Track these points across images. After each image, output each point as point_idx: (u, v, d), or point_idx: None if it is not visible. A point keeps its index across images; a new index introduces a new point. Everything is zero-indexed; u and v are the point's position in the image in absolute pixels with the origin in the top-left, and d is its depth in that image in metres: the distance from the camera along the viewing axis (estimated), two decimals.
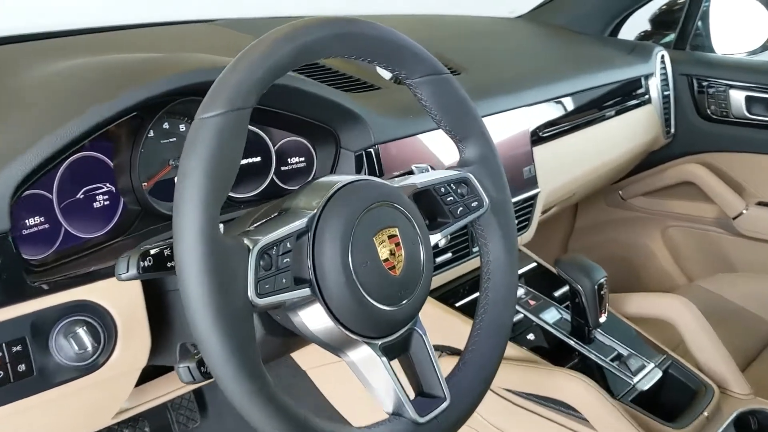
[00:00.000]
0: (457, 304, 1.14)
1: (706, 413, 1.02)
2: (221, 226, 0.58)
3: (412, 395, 0.72)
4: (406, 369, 0.74)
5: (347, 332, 0.66)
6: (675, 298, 1.19)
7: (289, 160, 1.01)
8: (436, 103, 0.78)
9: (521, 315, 1.14)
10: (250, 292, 0.58)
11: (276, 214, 0.68)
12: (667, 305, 1.19)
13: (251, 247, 0.59)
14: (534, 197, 1.32)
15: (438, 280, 1.13)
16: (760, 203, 1.75)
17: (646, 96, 1.75)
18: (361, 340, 0.67)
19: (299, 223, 0.64)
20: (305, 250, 0.64)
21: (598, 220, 2.08)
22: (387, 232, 0.69)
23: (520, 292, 1.20)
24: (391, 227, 0.69)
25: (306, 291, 0.63)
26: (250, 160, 0.97)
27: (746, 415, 1.07)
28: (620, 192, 2.01)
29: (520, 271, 1.27)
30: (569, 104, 1.46)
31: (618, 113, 1.64)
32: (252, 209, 0.78)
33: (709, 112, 1.79)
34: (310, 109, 0.97)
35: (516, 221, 1.27)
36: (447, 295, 1.15)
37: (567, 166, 1.47)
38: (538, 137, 1.35)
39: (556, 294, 1.22)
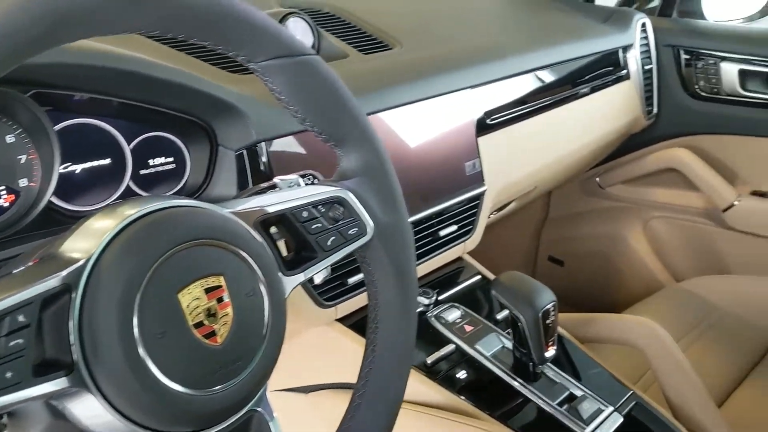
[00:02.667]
0: None
1: None
2: None
3: None
4: None
5: (139, 429, 0.46)
6: (641, 321, 0.98)
7: (150, 161, 0.79)
8: (295, 95, 0.56)
9: (452, 346, 0.94)
10: None
11: (31, 262, 0.47)
12: (633, 330, 0.98)
13: None
14: (479, 197, 1.11)
15: (351, 305, 0.93)
16: (754, 193, 1.53)
17: (624, 71, 1.53)
18: None
19: (46, 285, 0.43)
20: (65, 321, 0.43)
21: (573, 210, 1.87)
22: (203, 284, 0.48)
23: (455, 315, 0.99)
24: (211, 276, 0.48)
25: (60, 382, 0.43)
26: (95, 163, 0.75)
27: None
28: (597, 179, 1.79)
29: (460, 287, 1.07)
30: (526, 83, 1.24)
31: (590, 92, 1.42)
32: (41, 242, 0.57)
33: (697, 88, 1.57)
34: (170, 99, 0.76)
35: (458, 227, 1.08)
36: (362, 324, 0.94)
37: (523, 156, 1.25)
38: (485, 125, 1.13)
39: (500, 316, 1.01)
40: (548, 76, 1.31)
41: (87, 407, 0.45)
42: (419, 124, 1.00)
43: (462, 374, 0.90)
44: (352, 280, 0.91)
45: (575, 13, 1.57)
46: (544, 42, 1.32)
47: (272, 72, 0.55)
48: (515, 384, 0.90)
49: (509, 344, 0.94)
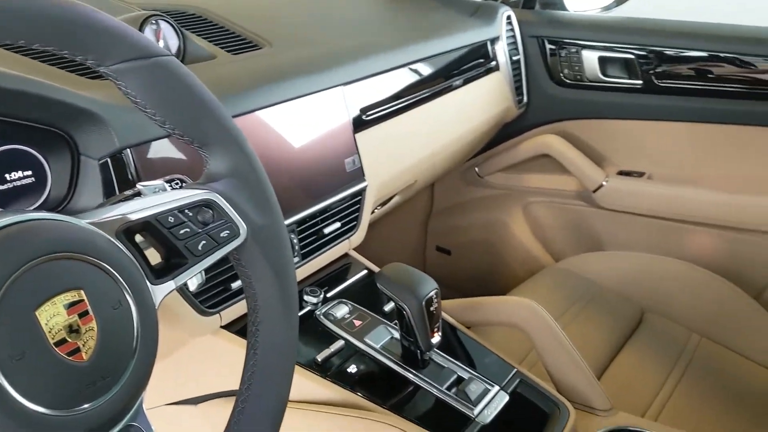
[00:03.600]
0: None
1: None
2: None
3: None
4: None
5: None
6: (520, 301, 1.02)
7: (7, 175, 0.75)
8: (151, 98, 0.54)
9: (342, 342, 0.94)
10: None
11: None
12: (513, 311, 1.02)
13: None
14: (361, 192, 1.12)
15: (237, 310, 0.91)
16: (620, 173, 1.63)
17: (493, 63, 1.58)
18: None
19: None
20: None
21: (456, 200, 1.91)
22: (61, 299, 0.45)
23: (344, 310, 0.99)
24: (69, 291, 0.46)
25: None
26: None
27: None
28: (477, 169, 1.85)
29: (347, 283, 1.07)
30: (399, 79, 1.26)
31: (462, 84, 1.46)
32: None
33: (562, 76, 1.65)
34: (24, 110, 0.72)
35: (342, 224, 1.08)
36: None
37: (402, 151, 1.27)
38: (361, 121, 1.14)
39: (387, 308, 1.02)
40: (420, 71, 1.33)
41: None
42: (295, 123, 0.99)
43: (353, 369, 0.90)
44: (234, 285, 0.89)
45: (442, 9, 1.61)
46: (414, 38, 1.34)
47: (125, 75, 0.53)
48: (405, 373, 0.91)
49: (398, 335, 0.95)
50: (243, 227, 0.58)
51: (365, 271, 1.11)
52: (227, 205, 0.58)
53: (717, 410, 1.14)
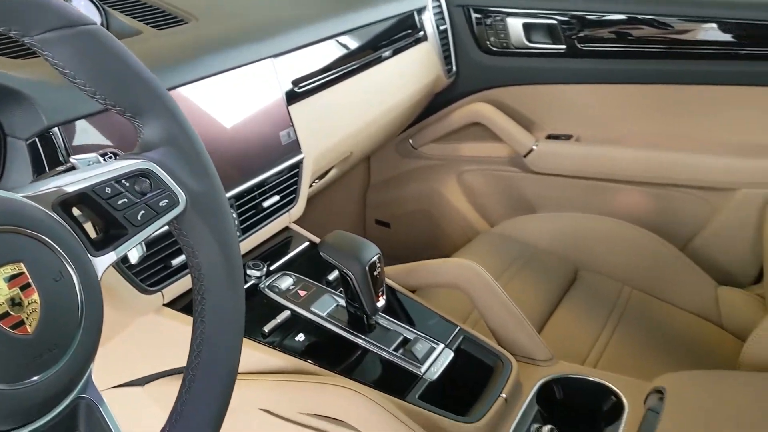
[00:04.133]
0: None
1: (504, 395, 0.89)
2: None
3: None
4: None
5: None
6: (460, 262, 1.04)
7: None
8: (80, 67, 0.53)
9: (288, 313, 0.94)
10: None
11: None
12: (453, 271, 1.04)
13: None
14: (298, 165, 1.12)
15: (179, 287, 0.90)
16: (549, 136, 1.67)
17: (421, 33, 1.59)
18: None
19: None
20: None
21: (392, 172, 1.93)
22: (2, 272, 0.44)
23: (289, 282, 0.99)
24: (8, 265, 0.45)
25: None
26: None
27: (548, 385, 0.96)
28: (410, 141, 1.87)
29: (290, 255, 1.07)
30: (329, 51, 1.26)
31: (392, 55, 1.47)
32: None
33: (489, 44, 1.68)
34: None
35: (281, 197, 1.08)
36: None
37: (336, 122, 1.27)
38: (294, 93, 1.13)
39: (331, 277, 1.03)
40: (349, 42, 1.33)
41: None
42: (227, 97, 0.98)
43: (301, 338, 0.91)
44: (176, 262, 0.88)
45: None
46: (341, 9, 1.34)
47: (51, 45, 0.52)
48: (352, 338, 0.92)
49: (343, 302, 0.97)
50: (182, 195, 0.58)
51: (307, 243, 1.11)
52: (164, 173, 0.57)
53: (650, 354, 1.20)
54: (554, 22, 1.57)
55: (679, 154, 1.54)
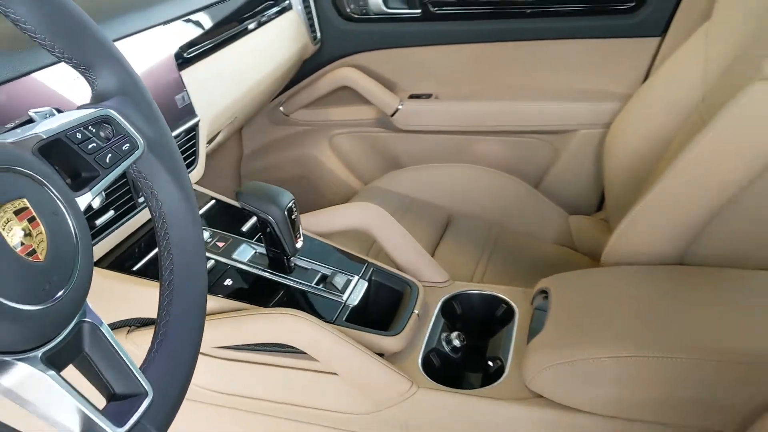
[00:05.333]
0: (135, 268, 0.95)
1: (416, 311, 1.01)
2: None
3: (102, 403, 0.55)
4: (86, 373, 0.56)
5: None
6: (362, 205, 1.15)
7: None
8: (41, 24, 0.57)
9: (212, 261, 1.00)
10: None
11: None
12: (356, 214, 1.15)
13: None
14: (195, 127, 1.16)
15: (104, 246, 0.94)
16: (412, 96, 1.81)
17: (287, 2, 1.66)
18: (12, 358, 0.48)
19: None
20: None
21: (264, 141, 1.99)
22: (11, 207, 0.49)
23: (205, 235, 1.05)
24: (16, 200, 0.49)
25: None
26: None
27: (449, 301, 1.09)
28: (281, 108, 1.93)
29: (201, 212, 1.12)
30: (208, 19, 1.30)
31: (262, 24, 1.53)
32: None
33: (349, 11, 1.78)
34: None
35: (185, 160, 1.12)
36: (120, 261, 0.96)
37: (223, 86, 1.33)
38: (184, 59, 1.17)
39: (244, 229, 1.10)
40: (222, 13, 1.37)
41: None
42: None
43: (229, 282, 0.97)
44: (99, 222, 0.91)
45: None
46: None
47: (14, 3, 0.55)
48: (277, 278, 1.00)
49: (261, 250, 1.04)
50: (140, 140, 0.64)
51: (213, 201, 1.16)
52: (123, 120, 0.63)
53: (521, 276, 1.38)
54: None
55: (524, 104, 1.73)
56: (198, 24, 1.26)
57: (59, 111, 0.76)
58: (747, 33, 1.18)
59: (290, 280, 1.00)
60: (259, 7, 1.53)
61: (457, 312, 1.09)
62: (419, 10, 1.73)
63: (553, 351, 0.86)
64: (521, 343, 0.98)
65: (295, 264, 1.04)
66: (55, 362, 0.51)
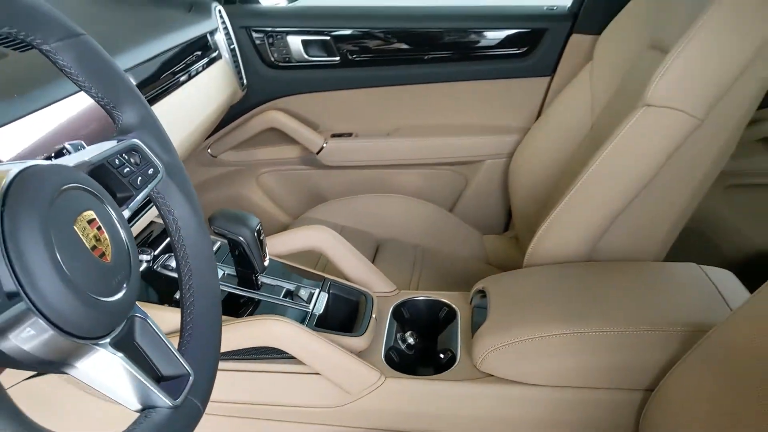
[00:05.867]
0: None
1: (374, 315, 1.15)
2: None
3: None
4: (136, 360, 0.66)
5: (75, 339, 0.56)
6: (315, 227, 1.28)
7: None
8: (84, 68, 0.69)
9: None
10: None
11: None
12: (312, 236, 1.28)
13: None
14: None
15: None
16: (334, 135, 1.96)
17: (216, 52, 1.78)
18: (90, 343, 0.58)
19: None
20: None
21: (193, 182, 2.07)
22: (85, 217, 0.60)
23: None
24: (87, 211, 0.60)
25: (20, 306, 0.51)
26: None
27: (399, 307, 1.24)
28: (209, 150, 2.04)
29: (167, 240, 1.22)
30: (141, 75, 1.39)
31: (192, 76, 1.64)
32: None
33: (273, 59, 1.92)
34: None
35: None
36: None
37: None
38: None
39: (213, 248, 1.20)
40: (155, 67, 1.46)
41: (28, 331, 0.54)
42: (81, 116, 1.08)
43: None
44: None
45: (160, 8, 1.75)
46: (141, 39, 1.44)
47: (63, 51, 0.67)
48: (248, 294, 1.12)
49: (229, 270, 1.15)
50: (160, 166, 0.76)
51: None
52: (146, 149, 0.75)
53: (449, 283, 1.54)
54: (328, 38, 1.88)
55: (436, 139, 1.93)
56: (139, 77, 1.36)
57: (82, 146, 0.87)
58: (624, 70, 1.43)
59: (260, 295, 1.12)
60: (190, 59, 1.64)
61: (406, 316, 1.24)
62: (338, 58, 1.90)
63: (497, 335, 1.02)
64: (467, 335, 1.14)
65: (261, 281, 1.15)
66: (119, 347, 0.61)
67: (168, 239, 1.22)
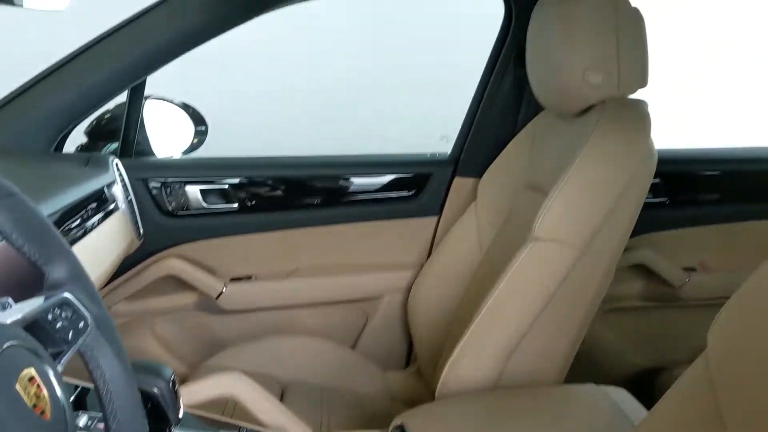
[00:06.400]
0: None
1: None
2: None
3: None
4: None
5: None
6: (226, 373, 1.28)
7: None
8: (19, 228, 0.71)
9: None
10: None
11: None
12: (223, 383, 1.27)
13: None
14: None
15: None
16: (233, 279, 1.98)
17: (114, 204, 1.79)
18: None
19: None
20: None
21: None
22: (26, 375, 0.60)
23: (83, 420, 1.10)
24: (28, 368, 0.61)
25: None
26: None
27: None
28: None
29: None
30: None
31: (91, 229, 1.62)
32: None
33: (170, 208, 1.94)
34: None
35: None
36: None
37: None
38: None
39: None
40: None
41: None
42: None
43: None
44: None
45: (55, 163, 1.76)
46: (40, 195, 1.38)
47: None
48: None
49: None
50: (88, 318, 0.76)
51: (80, 388, 1.21)
52: (77, 302, 0.76)
53: (356, 424, 1.55)
54: (226, 186, 1.94)
55: (334, 278, 2.00)
56: None
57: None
58: (506, 209, 1.58)
59: None
60: (86, 213, 1.63)
61: None
62: (236, 204, 1.95)
63: None
64: None
65: None
66: None
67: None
